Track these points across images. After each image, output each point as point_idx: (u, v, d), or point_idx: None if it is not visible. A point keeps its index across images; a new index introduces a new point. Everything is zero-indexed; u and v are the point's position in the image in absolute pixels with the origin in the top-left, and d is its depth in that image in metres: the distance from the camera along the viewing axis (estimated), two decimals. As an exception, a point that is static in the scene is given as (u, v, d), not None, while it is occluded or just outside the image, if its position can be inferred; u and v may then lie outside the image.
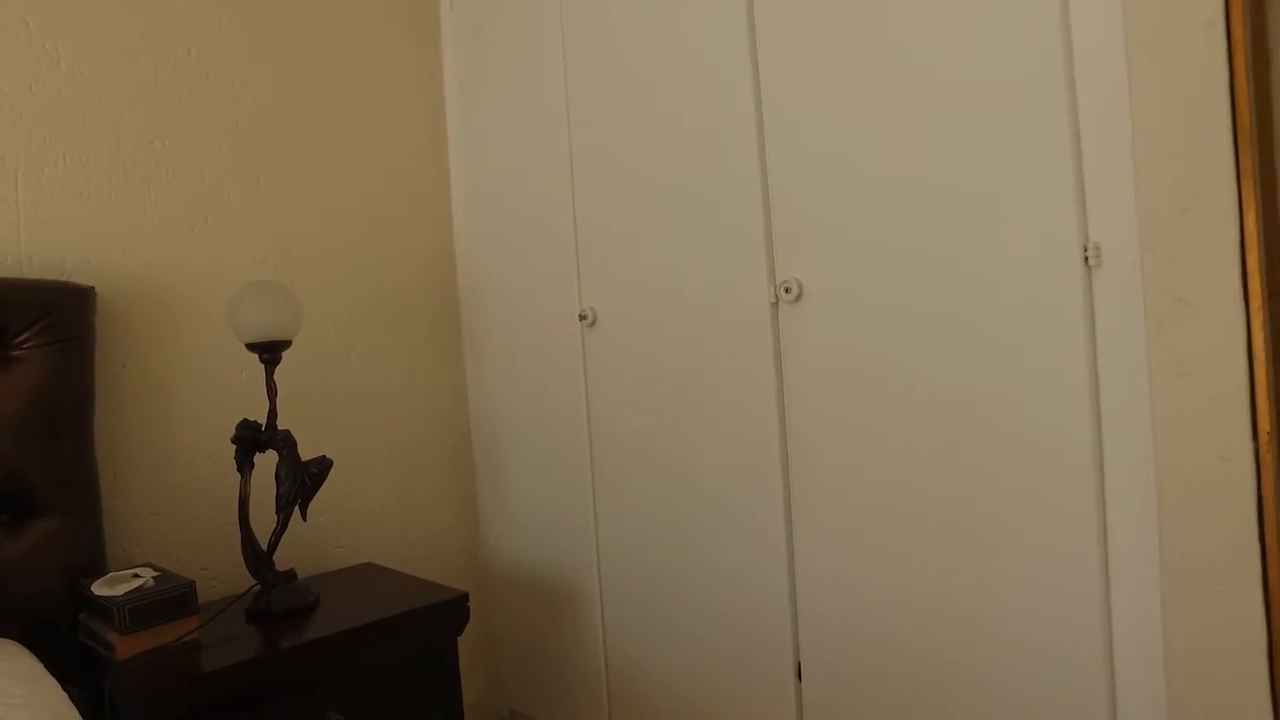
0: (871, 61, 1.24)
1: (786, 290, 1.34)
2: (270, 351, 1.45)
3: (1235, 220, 0.93)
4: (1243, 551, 0.96)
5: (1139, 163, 0.99)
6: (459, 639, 1.51)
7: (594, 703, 1.74)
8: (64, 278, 1.49)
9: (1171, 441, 1.00)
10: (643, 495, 1.62)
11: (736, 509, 1.45)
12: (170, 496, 1.60)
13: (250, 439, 1.44)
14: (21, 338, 1.35)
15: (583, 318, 1.69)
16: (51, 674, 1.08)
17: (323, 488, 1.52)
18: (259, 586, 1.44)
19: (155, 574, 1.30)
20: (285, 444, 1.44)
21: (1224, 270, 0.95)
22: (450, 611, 1.47)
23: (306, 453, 1.53)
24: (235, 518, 1.59)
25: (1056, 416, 1.09)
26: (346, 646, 1.34)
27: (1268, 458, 0.93)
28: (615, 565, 1.68)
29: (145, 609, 1.22)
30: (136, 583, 1.25)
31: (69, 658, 1.28)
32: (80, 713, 0.97)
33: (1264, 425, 0.93)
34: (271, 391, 1.46)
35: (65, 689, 1.04)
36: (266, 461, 1.50)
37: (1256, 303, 0.92)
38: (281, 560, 1.52)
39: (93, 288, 1.46)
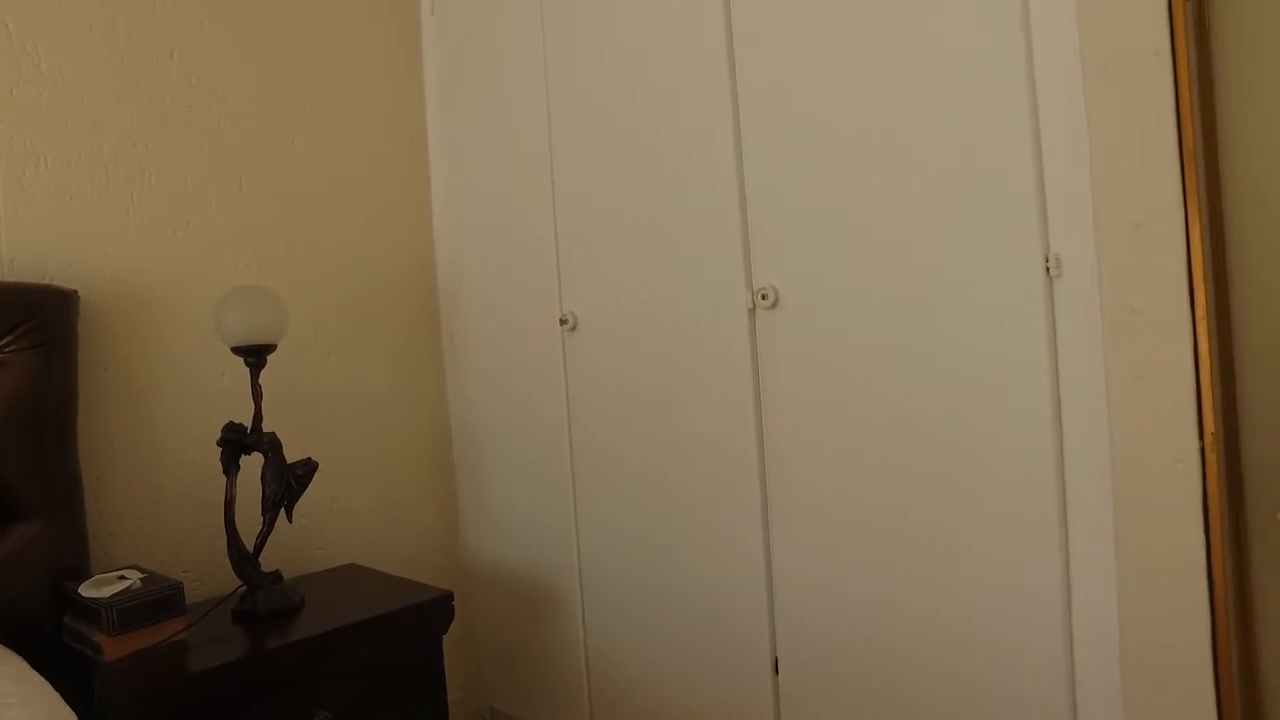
0: (846, 80, 1.29)
1: (763, 297, 1.38)
2: (255, 355, 1.46)
3: (1182, 236, 0.99)
4: (1190, 548, 1.02)
5: (1095, 181, 1.06)
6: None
7: (575, 700, 1.78)
8: (45, 281, 1.49)
9: (1127, 444, 1.06)
10: (623, 498, 1.65)
11: (715, 511, 1.49)
12: (153, 500, 1.61)
13: (236, 441, 1.46)
14: (4, 341, 1.35)
15: (564, 322, 1.72)
16: (36, 675, 1.08)
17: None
18: (244, 587, 1.45)
19: (142, 575, 1.31)
20: (271, 446, 1.45)
21: (1173, 283, 1.01)
22: (435, 611, 1.49)
23: (288, 456, 1.54)
24: (217, 521, 1.60)
25: (1020, 419, 1.15)
26: (333, 646, 1.36)
27: (1212, 459, 0.99)
28: (595, 567, 1.72)
29: (133, 610, 1.23)
30: (123, 584, 1.26)
31: (52, 660, 1.28)
32: (68, 713, 0.99)
33: (1209, 428, 0.99)
34: (257, 395, 1.48)
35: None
36: (250, 464, 1.51)
37: (1201, 312, 0.99)
38: (264, 562, 1.53)
39: (75, 291, 1.46)
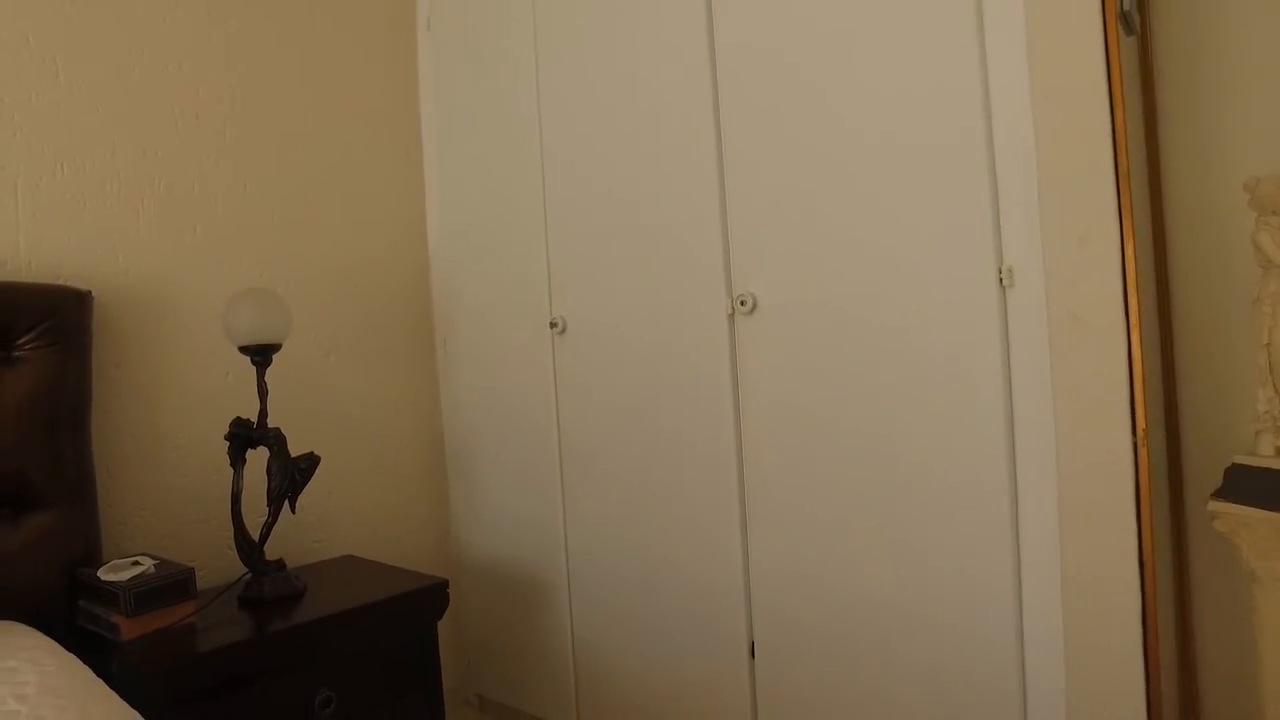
0: (821, 103, 1.39)
1: (742, 303, 1.48)
2: (262, 353, 1.54)
3: (1118, 250, 1.10)
4: (1124, 533, 1.12)
5: (1043, 199, 1.16)
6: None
7: (561, 687, 1.85)
8: (61, 282, 1.56)
9: (1068, 440, 1.16)
10: (608, 495, 1.73)
11: (696, 507, 1.58)
12: (158, 493, 1.67)
13: (243, 436, 1.53)
14: (24, 339, 1.42)
15: (553, 325, 1.81)
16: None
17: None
18: (250, 574, 1.52)
19: (155, 562, 1.38)
20: (276, 441, 1.53)
21: (1110, 293, 1.12)
22: (431, 597, 1.57)
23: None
24: (218, 513, 1.68)
25: (976, 415, 1.24)
26: (335, 629, 1.43)
27: (1144, 452, 1.10)
28: (582, 561, 1.80)
29: (148, 593, 1.30)
30: (138, 569, 1.33)
31: (64, 643, 1.35)
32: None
33: (1141, 424, 1.10)
34: (262, 391, 1.55)
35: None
36: (253, 458, 1.58)
37: (1135, 320, 1.09)
38: (267, 551, 1.60)
39: (90, 292, 1.53)
